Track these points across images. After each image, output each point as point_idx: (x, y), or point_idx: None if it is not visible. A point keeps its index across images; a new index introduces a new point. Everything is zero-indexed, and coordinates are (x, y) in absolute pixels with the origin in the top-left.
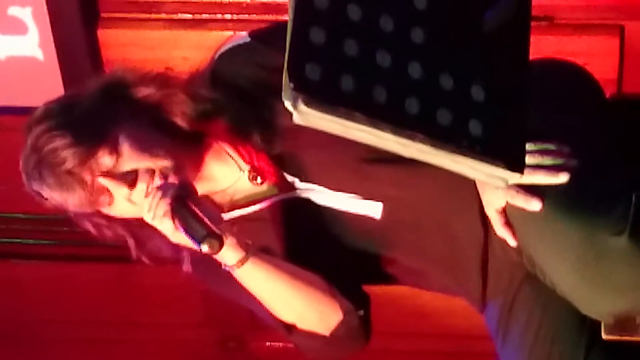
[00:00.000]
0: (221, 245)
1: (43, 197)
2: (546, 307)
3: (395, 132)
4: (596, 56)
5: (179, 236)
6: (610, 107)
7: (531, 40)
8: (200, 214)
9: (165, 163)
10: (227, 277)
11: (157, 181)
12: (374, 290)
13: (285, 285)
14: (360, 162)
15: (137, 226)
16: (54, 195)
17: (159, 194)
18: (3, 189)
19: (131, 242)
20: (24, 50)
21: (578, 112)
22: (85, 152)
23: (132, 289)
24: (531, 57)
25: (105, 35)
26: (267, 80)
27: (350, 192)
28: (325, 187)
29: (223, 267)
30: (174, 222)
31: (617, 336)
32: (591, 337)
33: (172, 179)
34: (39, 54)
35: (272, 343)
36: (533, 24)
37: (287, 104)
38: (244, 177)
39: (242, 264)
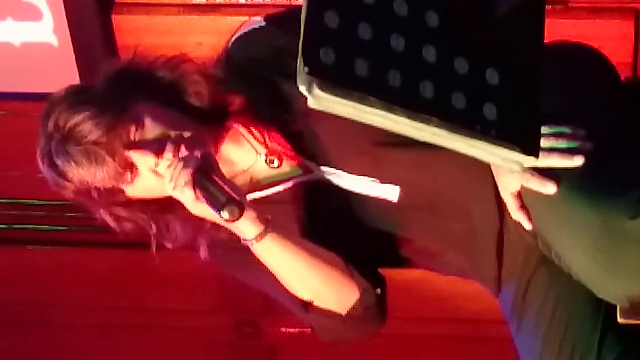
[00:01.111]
0: (241, 212)
1: (66, 179)
2: (561, 291)
3: (410, 116)
4: (611, 39)
5: (199, 207)
6: (625, 90)
7: (546, 23)
8: (221, 183)
9: (187, 133)
10: (244, 261)
11: (183, 150)
12: (389, 274)
13: (303, 262)
14: (377, 145)
15: (157, 211)
16: (81, 171)
17: (181, 164)
18: (18, 175)
19: (152, 229)
20: (39, 36)
21: (593, 95)
22: (110, 122)
23: (147, 275)
24: (546, 40)
25: (119, 20)
26: (282, 64)
27: (367, 176)
28: (343, 170)
29: (242, 241)
30: (195, 191)
31: (633, 320)
32: (606, 321)
33: (196, 151)
34: (53, 40)
35: (287, 329)
36: (548, 7)
37: (302, 88)
38: (261, 160)
39: (261, 238)
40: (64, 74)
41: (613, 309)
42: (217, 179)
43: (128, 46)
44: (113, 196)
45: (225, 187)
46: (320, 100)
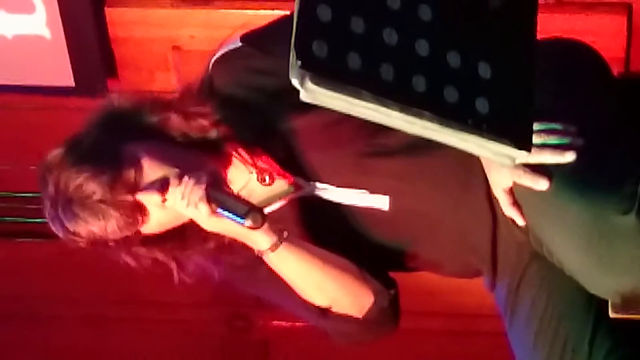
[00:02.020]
0: (264, 218)
1: (80, 236)
2: (553, 287)
3: (402, 110)
4: (604, 35)
5: (214, 222)
6: (618, 86)
7: (539, 18)
8: (236, 194)
9: (187, 166)
10: (255, 278)
11: (187, 176)
12: None
13: (318, 268)
14: (361, 157)
15: (176, 248)
16: (93, 228)
17: (192, 181)
18: (8, 168)
19: (173, 265)
20: (31, 29)
21: (585, 90)
22: (111, 178)
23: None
24: (538, 35)
25: (112, 13)
26: (261, 85)
27: (355, 188)
28: (331, 184)
29: (256, 253)
30: (210, 206)
31: (625, 315)
32: (598, 316)
33: (202, 172)
34: (46, 33)
35: (278, 322)
36: (541, 2)
37: (295, 82)
38: (254, 178)
39: (276, 248)
40: (56, 67)
41: (605, 304)
42: (230, 190)
43: (121, 39)
44: (129, 240)
45: (241, 197)
46: (312, 94)
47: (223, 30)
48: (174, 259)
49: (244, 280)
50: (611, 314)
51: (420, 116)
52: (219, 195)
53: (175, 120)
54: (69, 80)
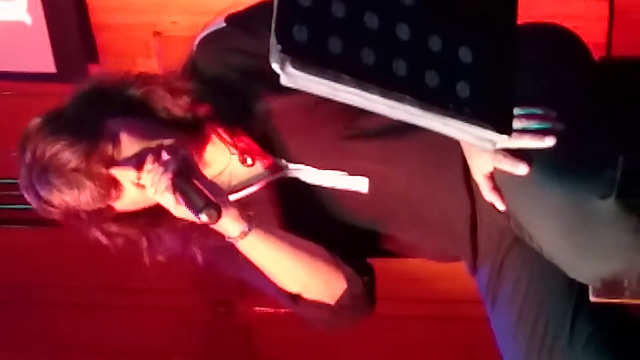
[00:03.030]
0: (219, 214)
1: (53, 205)
2: (534, 271)
3: (383, 94)
4: (585, 19)
5: (181, 210)
6: (599, 71)
7: (520, 3)
8: (200, 186)
9: (166, 142)
10: (232, 258)
11: (165, 156)
12: None
13: (288, 255)
14: (341, 139)
15: (147, 225)
16: (66, 198)
17: (161, 169)
18: None
19: (143, 242)
20: (12, 15)
21: (566, 75)
22: (87, 147)
23: (124, 255)
24: (520, 20)
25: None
26: (244, 66)
27: (335, 169)
28: (311, 166)
29: (227, 239)
30: (175, 196)
31: (605, 299)
32: (579, 300)
33: (175, 155)
34: (27, 19)
35: (261, 308)
36: None
37: (275, 66)
38: (235, 159)
39: (245, 235)
40: (37, 53)
41: (586, 288)
42: (196, 182)
43: (102, 25)
44: (102, 214)
45: (204, 190)
46: (293, 78)
47: (205, 16)
48: (146, 236)
49: (223, 261)
50: (591, 298)
51: (401, 100)
52: (183, 185)
53: (159, 94)
54: (50, 67)
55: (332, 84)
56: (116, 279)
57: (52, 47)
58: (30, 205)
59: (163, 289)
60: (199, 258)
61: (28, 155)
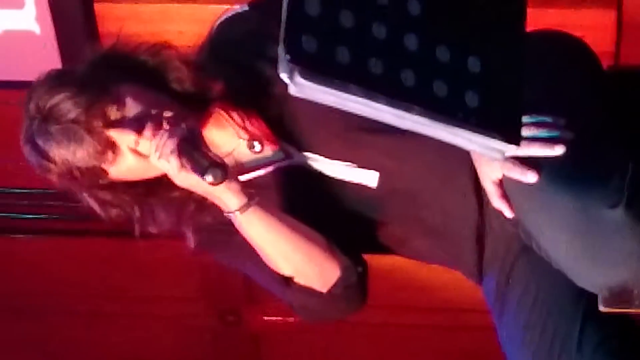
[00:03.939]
0: (225, 175)
1: (48, 159)
2: (542, 280)
3: (391, 104)
4: (593, 29)
5: (184, 176)
6: (607, 79)
7: (528, 12)
8: (206, 150)
9: (169, 113)
10: (227, 242)
11: (165, 125)
12: (370, 263)
13: (285, 237)
14: (356, 131)
15: (141, 194)
16: (62, 151)
17: (167, 134)
18: (0, 163)
19: (136, 212)
20: (21, 24)
21: (574, 84)
22: (89, 100)
23: (130, 263)
24: (528, 29)
25: (101, 9)
26: (264, 49)
27: (345, 160)
28: (321, 155)
29: (225, 213)
30: (180, 160)
31: (614, 308)
32: (587, 309)
33: (179, 125)
34: (35, 28)
35: (268, 317)
36: None
37: (283, 76)
38: (243, 144)
39: (245, 210)
40: (46, 63)
41: (594, 297)
42: (201, 147)
43: (110, 34)
44: (96, 177)
45: (210, 153)
46: (301, 88)
47: None
48: (139, 206)
49: (217, 244)
50: (601, 308)
51: (409, 110)
52: (189, 148)
53: (174, 64)
54: None
55: (340, 93)
56: (123, 287)
57: (60, 56)
58: (34, 214)
59: (171, 297)
60: (191, 240)
61: (32, 106)
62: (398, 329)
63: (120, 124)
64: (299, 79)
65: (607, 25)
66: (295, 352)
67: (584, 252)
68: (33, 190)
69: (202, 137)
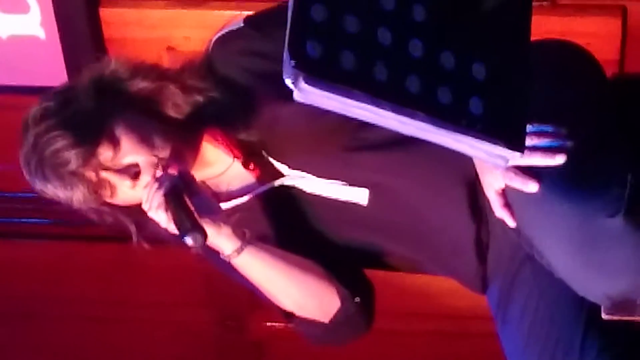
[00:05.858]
0: (205, 239)
1: (45, 194)
2: (544, 288)
3: (396, 110)
4: (598, 37)
5: (172, 227)
6: (611, 88)
7: (533, 20)
8: (191, 207)
9: (163, 153)
10: (230, 264)
11: (159, 172)
12: (374, 271)
13: (282, 275)
14: (345, 150)
15: (138, 212)
16: (59, 194)
17: (155, 186)
18: (3, 168)
19: (132, 228)
20: (26, 29)
21: (578, 92)
22: (87, 151)
23: (132, 268)
24: (533, 37)
25: (107, 14)
26: (257, 68)
27: (336, 179)
28: (312, 174)
29: (221, 256)
30: (167, 214)
31: (617, 317)
32: (590, 318)
33: (172, 170)
34: (40, 33)
35: (272, 323)
36: (535, 4)
37: (288, 82)
38: (238, 163)
39: (239, 254)
40: (51, 67)
41: (597, 305)
42: (187, 201)
43: (115, 39)
44: (93, 204)
45: (194, 212)
46: (306, 93)
47: None
48: (135, 221)
49: (220, 263)
50: (603, 316)
51: (414, 116)
52: (175, 205)
53: (171, 90)
54: (63, 81)
55: (344, 99)
56: (125, 292)
57: (65, 61)
58: (37, 219)
59: (173, 303)
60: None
61: (30, 140)
62: (401, 335)
63: (116, 169)
64: (303, 84)
65: (612, 33)
66: (297, 359)
67: (584, 262)
68: (35, 195)
69: (194, 182)
